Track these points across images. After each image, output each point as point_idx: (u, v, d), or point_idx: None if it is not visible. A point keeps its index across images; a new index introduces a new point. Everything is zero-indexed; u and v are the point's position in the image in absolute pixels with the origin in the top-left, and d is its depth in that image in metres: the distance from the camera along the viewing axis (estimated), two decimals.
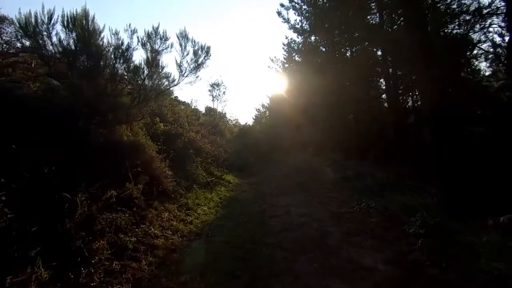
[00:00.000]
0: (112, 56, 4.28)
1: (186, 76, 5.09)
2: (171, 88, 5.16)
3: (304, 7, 16.40)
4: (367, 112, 13.64)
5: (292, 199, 5.91)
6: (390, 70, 12.95)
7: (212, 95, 15.88)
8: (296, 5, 16.52)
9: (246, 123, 26.07)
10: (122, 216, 3.53)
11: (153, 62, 4.87)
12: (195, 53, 5.10)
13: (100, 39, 4.27)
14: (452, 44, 8.83)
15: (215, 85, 15.82)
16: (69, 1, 4.73)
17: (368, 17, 13.12)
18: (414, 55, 7.77)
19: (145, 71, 4.96)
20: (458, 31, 9.43)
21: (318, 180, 8.02)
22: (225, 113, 17.97)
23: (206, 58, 5.13)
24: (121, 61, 4.35)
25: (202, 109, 17.25)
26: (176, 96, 19.86)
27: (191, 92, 51.70)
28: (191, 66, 5.05)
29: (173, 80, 5.13)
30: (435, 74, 7.55)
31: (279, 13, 16.89)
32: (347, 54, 16.49)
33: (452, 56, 8.66)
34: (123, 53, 4.29)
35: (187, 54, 5.05)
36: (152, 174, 4.88)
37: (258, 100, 38.40)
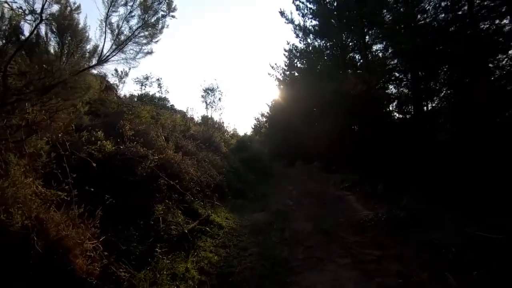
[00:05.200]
0: None
1: (125, 46, 2.32)
2: (93, 69, 2.37)
3: (310, 6, 13.80)
4: (384, 123, 11.01)
5: (330, 280, 3.07)
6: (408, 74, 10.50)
7: (206, 102, 13.04)
8: (300, 4, 13.94)
9: (245, 134, 23.36)
10: None
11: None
12: (143, 1, 2.34)
13: None
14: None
15: (209, 90, 13.00)
16: None
17: (386, 12, 10.58)
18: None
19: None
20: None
21: (350, 220, 5.16)
22: (223, 122, 15.09)
23: (165, 13, 2.37)
24: None
25: (199, 118, 14.33)
26: (173, 105, 17.00)
27: (188, 101, 48.44)
28: (133, 27, 2.29)
29: (100, 55, 2.35)
30: None
31: (282, 13, 14.31)
32: (357, 58, 13.98)
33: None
34: None
35: (125, 3, 2.29)
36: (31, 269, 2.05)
37: (257, 109, 35.62)
